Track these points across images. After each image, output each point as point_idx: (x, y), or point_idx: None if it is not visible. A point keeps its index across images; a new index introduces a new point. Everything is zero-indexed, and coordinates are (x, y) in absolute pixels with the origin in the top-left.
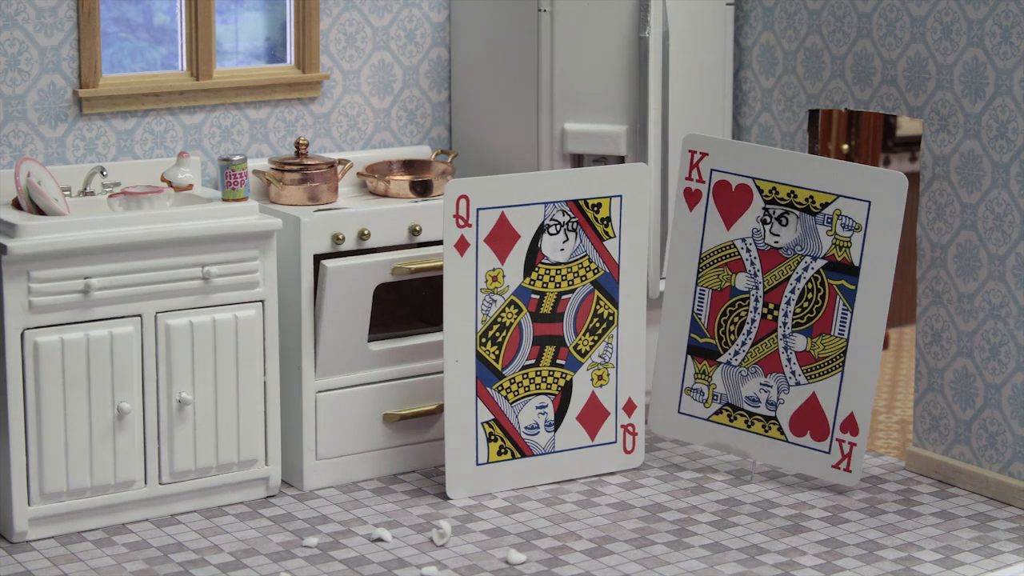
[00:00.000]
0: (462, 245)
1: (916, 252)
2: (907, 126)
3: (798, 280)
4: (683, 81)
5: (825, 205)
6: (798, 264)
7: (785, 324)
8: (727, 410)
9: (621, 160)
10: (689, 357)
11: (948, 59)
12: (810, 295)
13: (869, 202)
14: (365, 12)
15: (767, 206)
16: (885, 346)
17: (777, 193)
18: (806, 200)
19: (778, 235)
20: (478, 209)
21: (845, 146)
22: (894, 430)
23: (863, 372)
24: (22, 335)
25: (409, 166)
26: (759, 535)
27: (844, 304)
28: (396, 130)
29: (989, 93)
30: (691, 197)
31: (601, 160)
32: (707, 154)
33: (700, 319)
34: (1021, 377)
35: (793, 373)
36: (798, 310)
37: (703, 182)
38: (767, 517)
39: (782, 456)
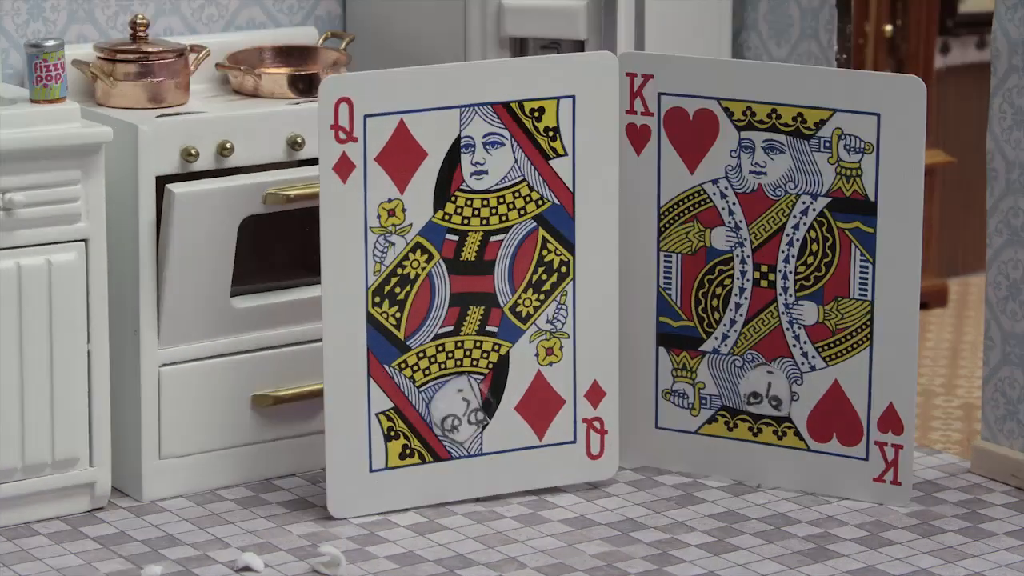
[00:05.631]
0: (344, 167)
1: (986, 174)
2: (973, 0)
3: (796, 228)
4: None
5: (820, 124)
6: (793, 206)
7: (786, 290)
8: (723, 416)
9: (580, 47)
10: (662, 349)
11: None
12: (815, 247)
13: (878, 115)
14: None
15: (743, 133)
16: (943, 303)
17: (754, 115)
18: (794, 120)
19: (763, 170)
20: (365, 116)
21: (888, 27)
22: (955, 418)
23: (899, 345)
24: None
25: (288, 55)
26: (770, 563)
27: (862, 254)
28: (270, 5)
29: None
30: (637, 136)
31: (553, 47)
32: (651, 76)
33: (670, 296)
34: None
35: (805, 356)
36: (801, 268)
37: (651, 114)
38: (781, 538)
39: (805, 471)
